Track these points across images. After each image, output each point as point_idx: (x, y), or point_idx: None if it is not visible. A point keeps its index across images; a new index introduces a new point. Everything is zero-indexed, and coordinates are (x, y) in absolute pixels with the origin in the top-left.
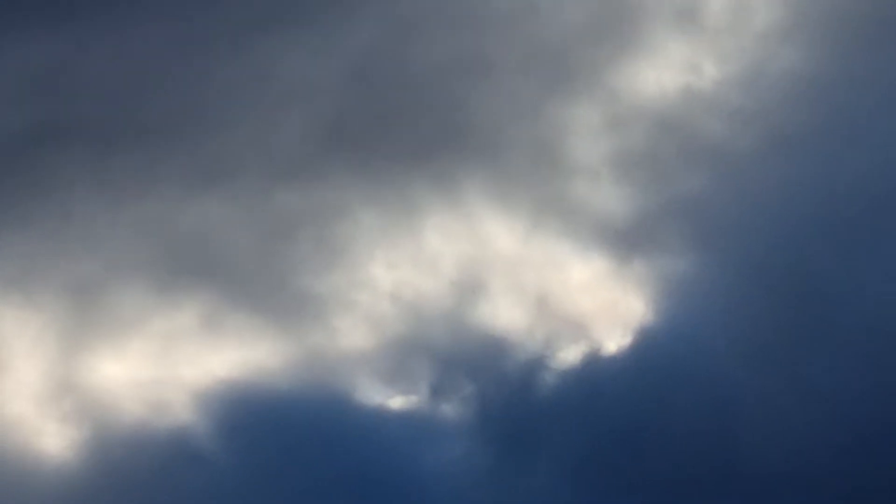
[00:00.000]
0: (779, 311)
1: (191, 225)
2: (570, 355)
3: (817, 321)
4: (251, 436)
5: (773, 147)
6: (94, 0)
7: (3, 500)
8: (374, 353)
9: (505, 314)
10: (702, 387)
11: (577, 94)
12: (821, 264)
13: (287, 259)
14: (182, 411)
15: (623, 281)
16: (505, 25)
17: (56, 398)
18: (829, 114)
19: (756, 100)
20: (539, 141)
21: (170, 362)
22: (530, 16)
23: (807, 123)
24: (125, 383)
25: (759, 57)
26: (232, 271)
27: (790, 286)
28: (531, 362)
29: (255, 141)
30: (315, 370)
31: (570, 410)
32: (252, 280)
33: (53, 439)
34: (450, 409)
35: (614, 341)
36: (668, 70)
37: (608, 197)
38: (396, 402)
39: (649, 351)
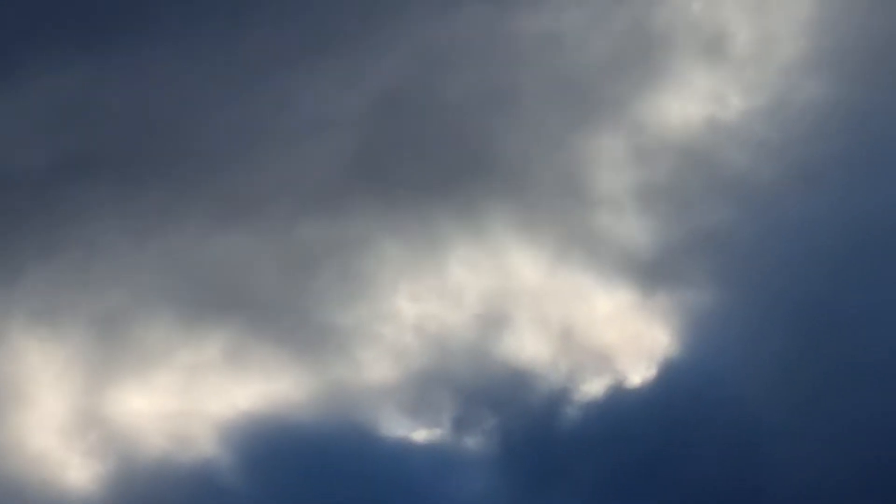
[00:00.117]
0: (802, 344)
1: (215, 258)
2: (593, 388)
3: (841, 353)
4: (275, 469)
5: (798, 179)
6: (120, 35)
7: None
8: (397, 385)
9: (529, 346)
10: (726, 419)
11: (601, 126)
12: (844, 296)
13: (311, 292)
14: (206, 444)
15: (647, 313)
16: (530, 57)
17: (80, 431)
18: (853, 146)
19: (781, 131)
20: (564, 173)
21: (194, 395)
22: (555, 48)
23: (831, 155)
24: (149, 416)
25: (784, 89)
26: (256, 304)
27: (813, 318)
28: (555, 395)
29: (279, 174)
30: (339, 403)
31: (593, 443)
32: (276, 313)
33: (78, 472)
34: (473, 442)
35: (638, 374)
36: (692, 102)
37: (633, 229)
38: (420, 434)
39: (673, 383)
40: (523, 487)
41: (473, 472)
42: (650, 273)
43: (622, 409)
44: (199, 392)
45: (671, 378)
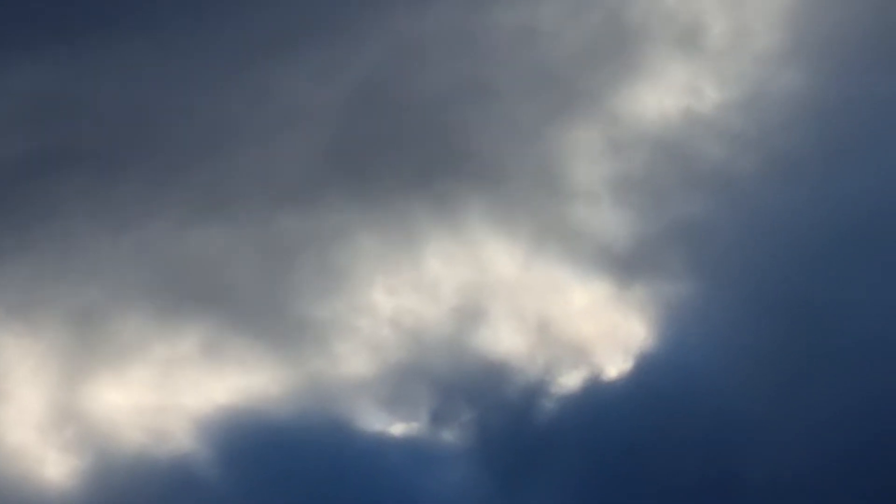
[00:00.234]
0: (779, 335)
1: (192, 251)
2: (570, 380)
3: (817, 344)
4: (252, 462)
5: (774, 170)
6: (96, 27)
7: None
8: (374, 379)
9: (505, 340)
10: (702, 411)
11: (577, 119)
12: (821, 288)
13: (287, 285)
14: (183, 438)
15: (624, 305)
16: (505, 50)
17: (58, 426)
18: (829, 137)
19: (757, 123)
20: (539, 165)
21: (171, 389)
22: (530, 41)
23: (807, 146)
24: (126, 411)
25: (759, 80)
26: (232, 298)
27: (790, 309)
28: (532, 388)
29: (255, 167)
30: (316, 397)
31: (570, 436)
32: (253, 306)
33: (55, 467)
34: (450, 435)
35: (615, 366)
36: (668, 93)
37: (609, 221)
38: (397, 428)
39: (650, 375)
40: (501, 480)
41: (451, 466)
42: (627, 265)
43: (599, 401)
44: (175, 386)
45: (648, 370)
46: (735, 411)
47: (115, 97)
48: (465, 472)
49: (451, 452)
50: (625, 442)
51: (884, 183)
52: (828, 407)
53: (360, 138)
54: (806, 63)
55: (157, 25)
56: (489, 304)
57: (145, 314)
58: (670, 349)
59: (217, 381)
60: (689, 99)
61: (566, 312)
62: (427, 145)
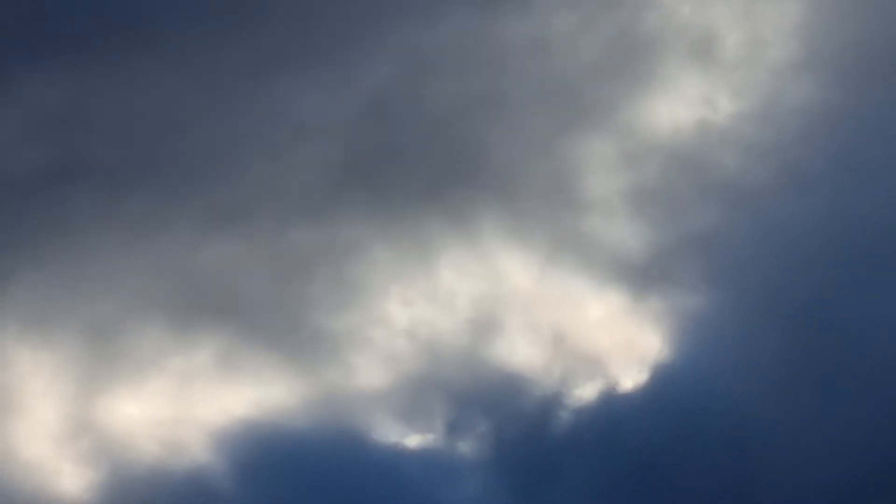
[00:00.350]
0: (794, 346)
1: (206, 264)
2: (586, 392)
3: (833, 355)
4: (268, 475)
5: (788, 181)
6: (108, 42)
7: None
8: (389, 390)
9: (521, 351)
10: (718, 422)
11: (591, 130)
12: (836, 299)
13: (302, 297)
14: (199, 451)
15: (639, 317)
16: (518, 62)
17: (73, 438)
18: (843, 148)
19: (771, 134)
20: (554, 177)
21: (186, 402)
22: (544, 52)
23: (821, 158)
24: (142, 423)
25: (773, 91)
26: (247, 310)
27: (805, 321)
28: (547, 399)
29: (268, 180)
30: (331, 408)
31: (586, 447)
32: (267, 318)
33: (71, 480)
34: (466, 447)
35: (630, 378)
36: (682, 105)
37: (623, 233)
38: (413, 439)
39: (665, 387)
40: (517, 492)
41: (467, 477)
42: (641, 277)
43: (614, 413)
44: (191, 398)
45: (663, 382)
46: (750, 422)
47: (128, 111)
48: (481, 483)
49: (467, 464)
50: (640, 453)
51: None
52: (844, 418)
53: (373, 150)
54: (820, 74)
55: (169, 40)
56: (504, 315)
57: (160, 327)
58: (685, 361)
59: (232, 394)
60: (704, 110)
61: (581, 324)
62: (440, 157)
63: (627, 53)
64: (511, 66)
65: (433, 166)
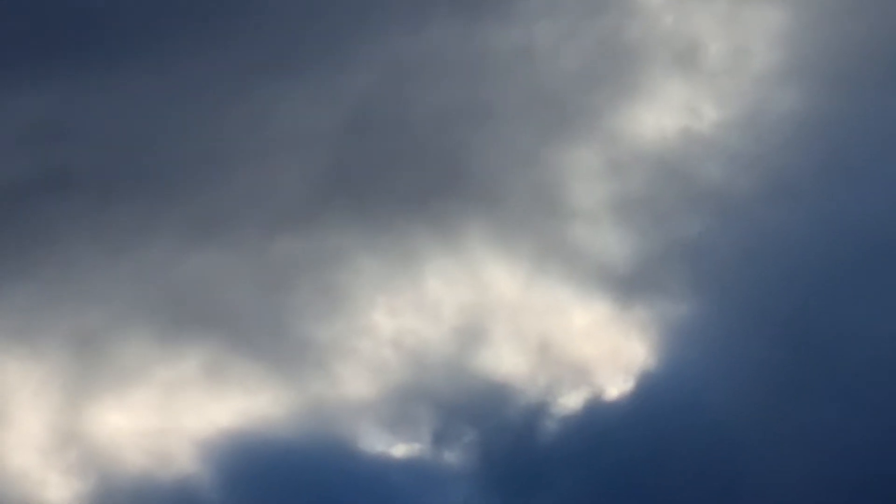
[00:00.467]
0: (780, 354)
1: (191, 274)
2: (571, 401)
3: (818, 364)
4: (254, 485)
5: (773, 189)
6: (92, 51)
7: None
8: (376, 400)
9: (507, 360)
10: (704, 431)
11: (576, 139)
12: (821, 307)
13: (288, 307)
14: (185, 461)
15: (624, 326)
16: (503, 71)
17: (60, 449)
18: (828, 156)
19: (755, 142)
20: (539, 186)
21: (173, 412)
22: (528, 61)
23: (806, 166)
24: (128, 434)
25: (757, 99)
26: (233, 320)
27: (791, 329)
28: (533, 408)
29: (253, 189)
30: (318, 418)
31: (572, 456)
32: (253, 329)
33: (58, 490)
34: (452, 456)
35: (616, 386)
36: (666, 113)
37: (608, 241)
38: (399, 449)
39: (651, 396)
40: (503, 501)
41: (453, 487)
42: (627, 285)
43: (600, 422)
44: (177, 409)
45: (649, 390)
46: (736, 431)
47: (113, 122)
48: (468, 492)
49: (454, 473)
50: (626, 462)
51: (883, 202)
52: (830, 426)
53: (359, 160)
54: (804, 82)
55: (154, 51)
56: (490, 324)
57: (146, 337)
58: (671, 369)
59: (219, 404)
60: (688, 119)
61: (567, 333)
62: (426, 167)
63: (611, 62)
64: (495, 76)
65: (418, 175)
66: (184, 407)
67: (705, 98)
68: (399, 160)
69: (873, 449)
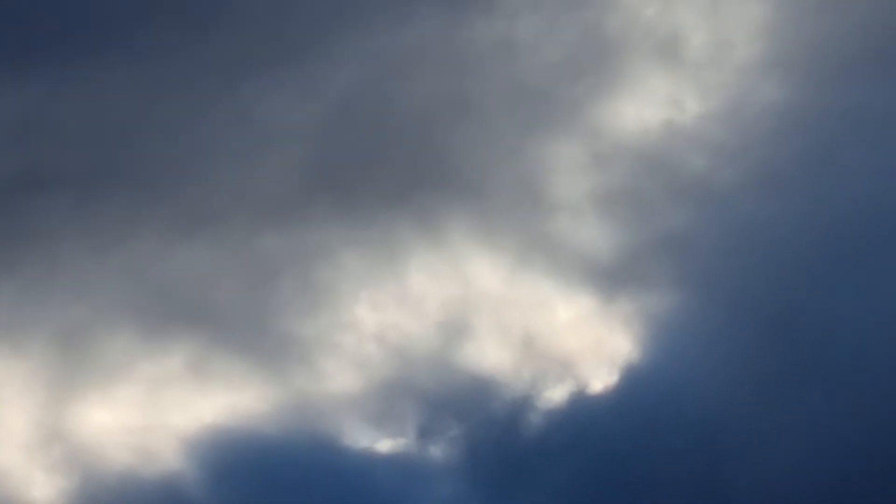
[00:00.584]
0: (764, 346)
1: (175, 271)
2: (556, 394)
3: (802, 355)
4: (239, 481)
5: (756, 181)
6: (74, 49)
7: None
8: (360, 395)
9: (491, 354)
10: (689, 424)
11: (558, 132)
12: (805, 298)
13: (271, 303)
14: (170, 457)
15: (608, 319)
16: (485, 65)
17: (44, 447)
18: (810, 147)
19: (738, 134)
20: (522, 180)
21: (157, 409)
22: (510, 55)
23: (789, 157)
24: (113, 430)
25: (740, 91)
26: (217, 316)
27: (775, 320)
28: (518, 402)
29: (236, 185)
30: (302, 414)
31: (557, 449)
32: (238, 324)
33: (42, 488)
34: (437, 451)
35: (600, 380)
36: (649, 106)
37: (592, 234)
38: (384, 444)
39: (636, 389)
40: (488, 495)
41: (438, 481)
42: (611, 279)
43: (585, 415)
44: (162, 405)
45: (633, 383)
46: (721, 423)
47: (96, 118)
48: (453, 487)
49: (439, 468)
50: (611, 455)
51: (866, 192)
52: (814, 417)
53: (342, 155)
54: (786, 74)
55: (135, 46)
56: (474, 318)
57: (131, 334)
58: (655, 362)
59: (203, 400)
60: (670, 111)
61: (551, 326)
62: (409, 161)
63: (593, 55)
64: (478, 70)
65: (401, 170)
66: (168, 403)
67: (688, 90)
68: (382, 155)
69: (859, 442)
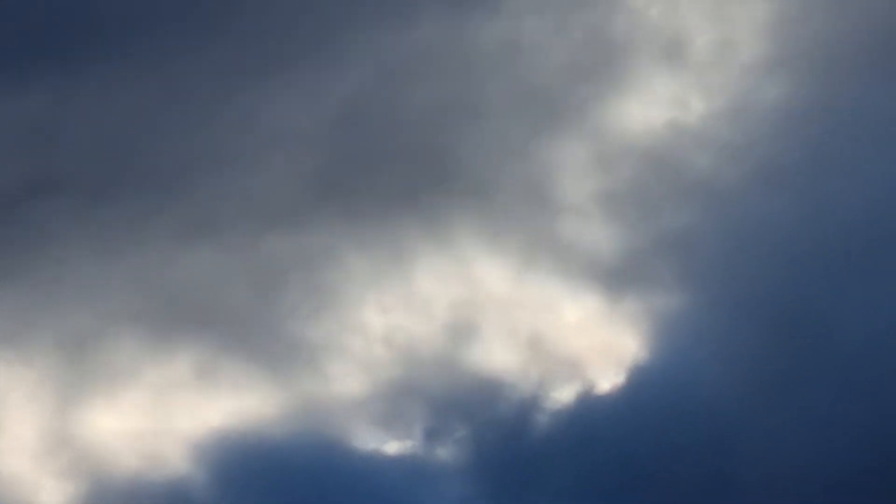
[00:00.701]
0: (771, 346)
1: (182, 275)
2: (563, 395)
3: (809, 353)
4: (247, 485)
5: (762, 180)
6: (80, 55)
7: None
8: (367, 398)
9: (498, 356)
10: (696, 424)
11: (564, 133)
12: (811, 296)
13: (279, 306)
14: (178, 462)
15: (615, 319)
16: (490, 66)
17: (52, 453)
18: (816, 146)
19: (743, 133)
20: (528, 181)
21: (164, 413)
22: (516, 56)
23: (794, 156)
24: (120, 436)
25: (744, 91)
26: (224, 320)
27: (782, 320)
28: (525, 403)
29: (243, 189)
30: (309, 417)
31: (564, 450)
32: (244, 328)
33: (50, 494)
34: (445, 453)
35: (608, 380)
36: (654, 106)
37: (598, 235)
38: (391, 446)
39: (643, 389)
40: (496, 497)
41: (446, 483)
42: (617, 279)
43: (592, 415)
44: (169, 410)
45: (640, 383)
46: (728, 422)
47: (104, 125)
48: (461, 488)
49: (446, 470)
50: (619, 455)
51: (871, 191)
52: (821, 415)
53: (348, 158)
54: (791, 73)
55: (141, 52)
56: (481, 320)
57: (137, 339)
58: (662, 361)
59: (210, 404)
60: (675, 111)
61: (558, 327)
62: (415, 163)
63: (599, 56)
64: (483, 71)
65: (407, 172)
66: (175, 408)
67: (692, 90)
68: (388, 157)
69: (866, 438)
